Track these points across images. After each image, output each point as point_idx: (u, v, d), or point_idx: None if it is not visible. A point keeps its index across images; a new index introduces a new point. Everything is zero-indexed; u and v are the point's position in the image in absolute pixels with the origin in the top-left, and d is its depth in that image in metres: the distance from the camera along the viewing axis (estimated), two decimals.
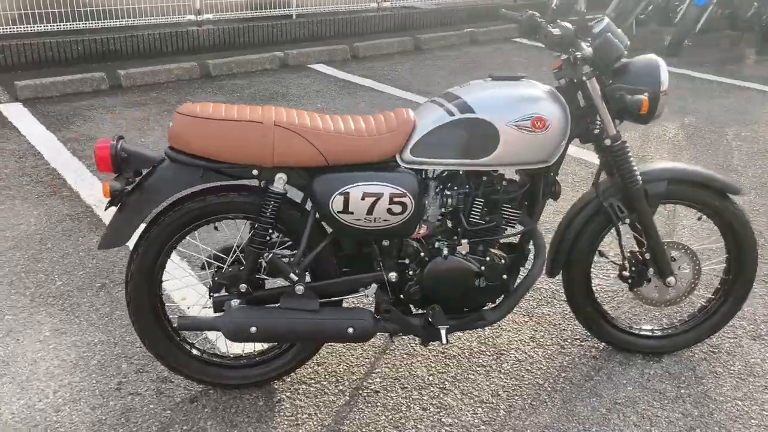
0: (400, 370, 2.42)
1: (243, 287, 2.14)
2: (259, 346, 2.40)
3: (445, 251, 2.14)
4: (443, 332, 2.12)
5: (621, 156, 2.21)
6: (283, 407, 2.23)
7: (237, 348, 2.45)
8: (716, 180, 2.31)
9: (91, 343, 2.54)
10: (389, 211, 2.05)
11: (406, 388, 2.33)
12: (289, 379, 2.35)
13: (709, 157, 4.62)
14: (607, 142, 2.20)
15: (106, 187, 1.95)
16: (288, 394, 2.29)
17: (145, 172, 2.09)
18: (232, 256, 2.21)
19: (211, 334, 2.56)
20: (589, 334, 2.57)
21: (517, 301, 2.23)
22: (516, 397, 2.30)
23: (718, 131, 5.19)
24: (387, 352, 2.51)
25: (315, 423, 2.16)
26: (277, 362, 2.28)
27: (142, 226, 2.10)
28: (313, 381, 2.35)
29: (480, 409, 2.24)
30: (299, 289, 2.08)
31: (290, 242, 2.24)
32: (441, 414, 2.22)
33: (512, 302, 2.22)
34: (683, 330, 2.49)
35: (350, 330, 2.08)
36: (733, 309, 2.45)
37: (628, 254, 2.38)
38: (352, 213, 2.05)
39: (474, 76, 6.63)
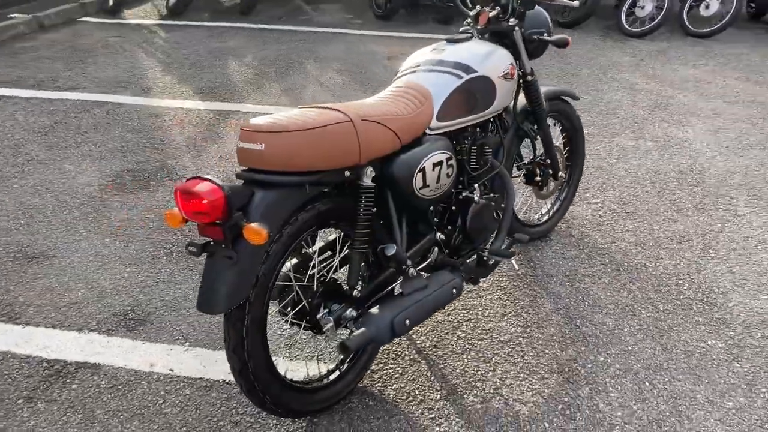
0: (427, 342, 2.60)
1: (356, 292, 2.04)
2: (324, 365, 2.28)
3: (476, 197, 2.40)
4: (514, 262, 2.43)
5: (535, 87, 2.77)
6: (410, 404, 2.24)
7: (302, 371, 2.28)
8: (567, 92, 3.06)
9: None
10: (447, 175, 2.22)
11: (456, 352, 2.53)
12: (368, 390, 2.32)
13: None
14: (529, 78, 2.72)
15: (263, 234, 1.64)
16: (392, 399, 2.29)
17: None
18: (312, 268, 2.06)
19: None
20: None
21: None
22: (526, 320, 2.75)
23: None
24: None
25: (438, 406, 2.26)
26: (361, 362, 2.24)
27: None
28: (391, 375, 2.38)
29: (516, 348, 2.64)
30: (412, 272, 2.11)
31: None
32: (507, 364, 2.54)
33: (510, 221, 2.61)
34: (557, 208, 3.26)
35: (454, 291, 2.21)
36: (578, 182, 3.31)
37: (535, 163, 2.99)
38: (428, 186, 2.15)
39: (94, 64, 6.08)
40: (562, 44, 2.62)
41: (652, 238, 3.25)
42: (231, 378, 2.30)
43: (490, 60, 2.39)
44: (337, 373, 2.19)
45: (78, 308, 2.66)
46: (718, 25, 7.15)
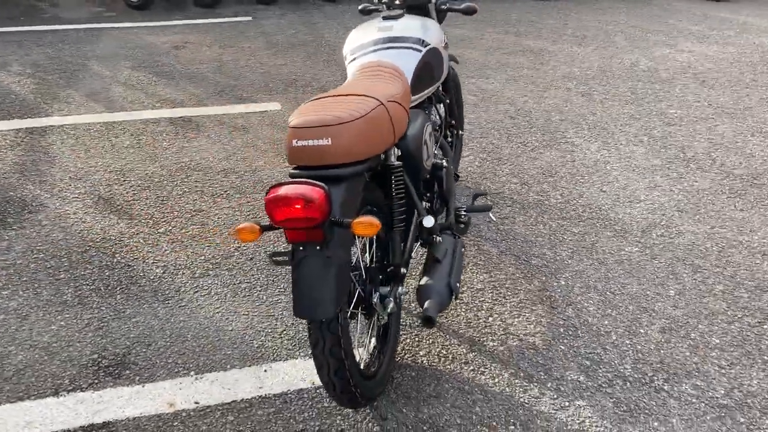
0: (418, 308, 2.71)
1: (403, 270, 2.09)
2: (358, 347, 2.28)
3: (444, 162, 2.55)
4: (492, 214, 2.61)
5: (447, 54, 2.96)
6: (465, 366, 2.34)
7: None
8: (451, 56, 3.31)
9: None
10: (433, 145, 2.35)
11: (450, 309, 2.69)
12: (402, 364, 2.37)
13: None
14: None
15: (376, 224, 1.62)
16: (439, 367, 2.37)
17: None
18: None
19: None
20: None
21: None
22: (485, 266, 2.98)
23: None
24: None
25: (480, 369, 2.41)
26: (392, 336, 2.29)
27: None
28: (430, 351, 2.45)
29: (494, 291, 2.86)
30: (439, 239, 2.21)
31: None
32: (497, 306, 2.75)
33: None
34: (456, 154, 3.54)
35: (463, 249, 2.36)
36: (461, 129, 3.61)
37: (445, 124, 3.20)
38: (429, 157, 2.25)
39: None
40: (470, 11, 2.85)
41: (530, 176, 3.69)
42: (265, 391, 2.20)
43: (432, 31, 2.54)
44: (380, 353, 2.23)
45: (33, 372, 2.28)
46: None
